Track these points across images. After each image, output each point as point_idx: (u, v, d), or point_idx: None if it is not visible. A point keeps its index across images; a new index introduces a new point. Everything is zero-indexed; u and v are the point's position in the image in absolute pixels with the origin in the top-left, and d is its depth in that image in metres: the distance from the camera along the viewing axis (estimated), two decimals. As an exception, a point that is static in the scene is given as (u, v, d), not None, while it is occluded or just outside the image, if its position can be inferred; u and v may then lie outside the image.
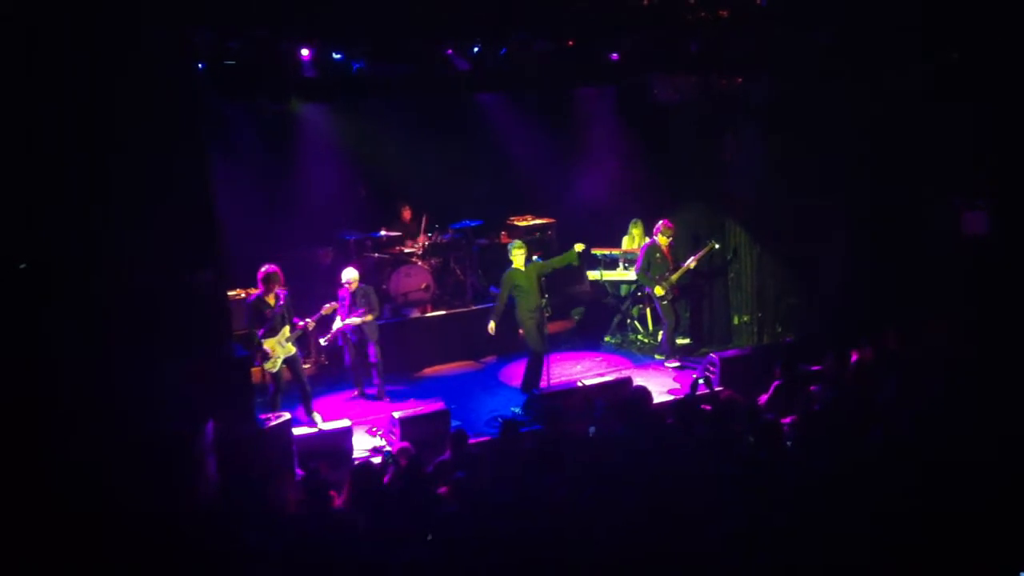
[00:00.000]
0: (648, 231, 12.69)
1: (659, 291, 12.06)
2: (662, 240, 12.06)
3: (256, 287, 9.90)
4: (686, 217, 12.73)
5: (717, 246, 12.24)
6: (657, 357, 12.36)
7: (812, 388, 9.11)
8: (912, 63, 10.70)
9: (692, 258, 12.15)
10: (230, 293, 10.89)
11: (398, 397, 11.27)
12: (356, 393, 11.31)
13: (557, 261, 11.29)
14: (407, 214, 13.86)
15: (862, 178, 11.44)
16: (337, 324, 10.77)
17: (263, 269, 9.85)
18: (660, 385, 11.13)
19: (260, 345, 9.79)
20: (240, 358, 8.82)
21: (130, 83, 6.87)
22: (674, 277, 12.08)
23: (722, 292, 12.83)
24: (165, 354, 7.11)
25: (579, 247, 11.30)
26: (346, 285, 10.77)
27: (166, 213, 7.20)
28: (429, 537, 6.25)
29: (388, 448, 9.28)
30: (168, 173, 7.21)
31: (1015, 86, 10.22)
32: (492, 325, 11.11)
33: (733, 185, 12.36)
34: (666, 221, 12.10)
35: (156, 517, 6.66)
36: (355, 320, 10.73)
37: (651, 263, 12.09)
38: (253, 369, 10.26)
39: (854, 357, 9.56)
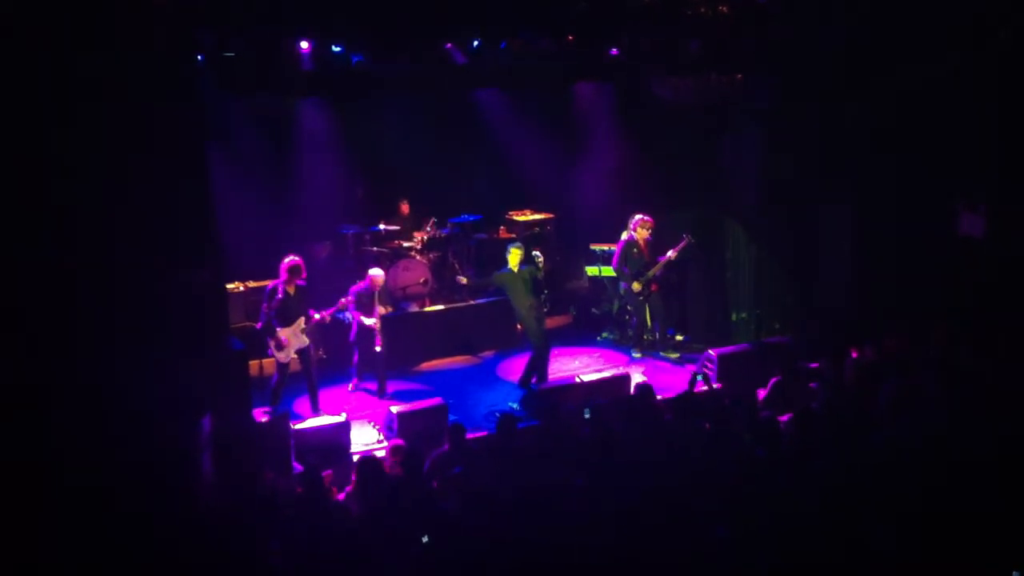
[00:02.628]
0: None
1: (636, 286, 12.06)
2: (640, 235, 12.03)
3: (259, 278, 9.94)
4: (685, 214, 12.69)
5: (693, 240, 12.15)
6: (635, 354, 12.38)
7: (811, 385, 9.12)
8: (915, 64, 10.67)
9: (672, 251, 12.02)
10: (228, 286, 10.92)
11: (396, 391, 11.26)
12: (355, 383, 11.27)
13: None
14: (405, 208, 13.85)
15: (862, 177, 11.43)
16: (369, 321, 10.73)
17: (287, 260, 9.96)
18: (657, 381, 11.11)
19: (275, 333, 9.84)
20: (237, 351, 8.81)
21: (129, 78, 6.84)
22: (651, 273, 12.06)
23: (720, 288, 12.81)
24: (162, 348, 7.09)
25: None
26: (374, 282, 10.72)
27: (164, 208, 7.17)
28: (425, 539, 6.25)
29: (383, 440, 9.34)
30: (166, 166, 7.17)
31: (1017, 88, 10.21)
32: (464, 279, 11.67)
33: (732, 182, 12.34)
34: (644, 216, 12.06)
35: (152, 511, 6.65)
36: (382, 310, 10.80)
37: (628, 258, 12.06)
38: (265, 361, 10.31)
39: (853, 355, 9.56)
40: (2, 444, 6.28)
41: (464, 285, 11.80)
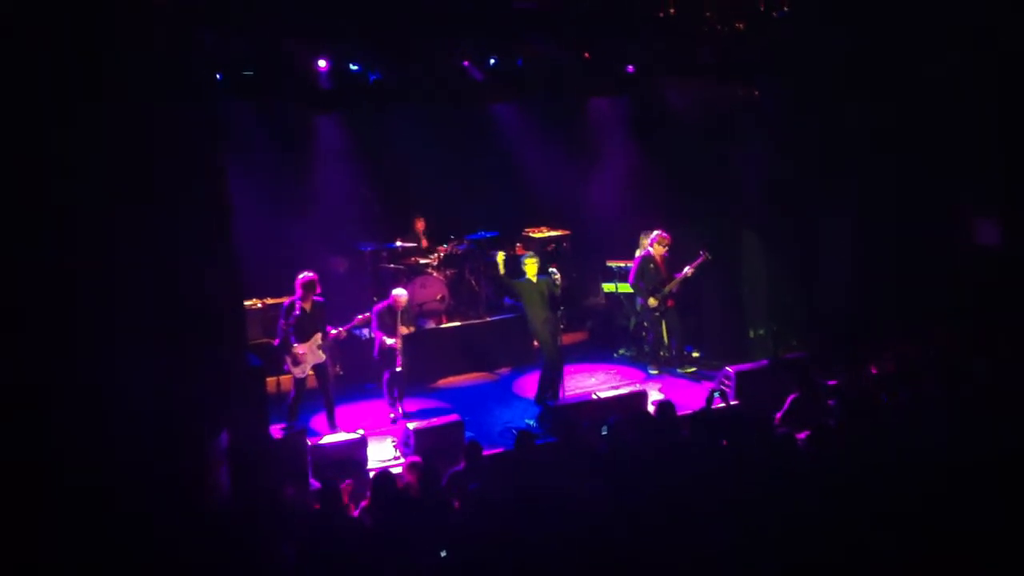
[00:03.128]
0: None
1: (652, 302, 12.04)
2: (657, 251, 12.02)
3: (276, 295, 9.97)
4: (700, 227, 12.66)
5: (710, 257, 12.10)
6: (651, 371, 12.33)
7: (829, 402, 9.06)
8: (924, 69, 10.65)
9: (689, 267, 11.99)
10: (246, 303, 10.95)
11: (413, 408, 11.23)
12: (399, 410, 10.98)
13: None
14: (420, 225, 13.88)
15: (873, 183, 11.40)
16: (390, 341, 10.63)
17: (302, 276, 9.98)
18: (674, 398, 11.06)
19: (291, 349, 9.86)
20: (255, 366, 8.83)
21: (130, 78, 6.87)
22: (667, 289, 12.03)
23: (735, 304, 12.75)
24: (181, 361, 7.11)
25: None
26: (397, 302, 10.67)
27: (182, 220, 7.20)
28: (443, 554, 6.24)
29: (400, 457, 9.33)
30: (170, 166, 7.19)
31: (1019, 89, 10.18)
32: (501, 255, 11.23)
33: (747, 195, 12.32)
34: (662, 232, 12.06)
35: (169, 525, 6.66)
36: (404, 330, 10.75)
37: (644, 274, 12.05)
38: (282, 377, 10.28)
39: (872, 371, 9.49)
40: (2, 444, 6.29)
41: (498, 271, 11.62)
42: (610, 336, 13.64)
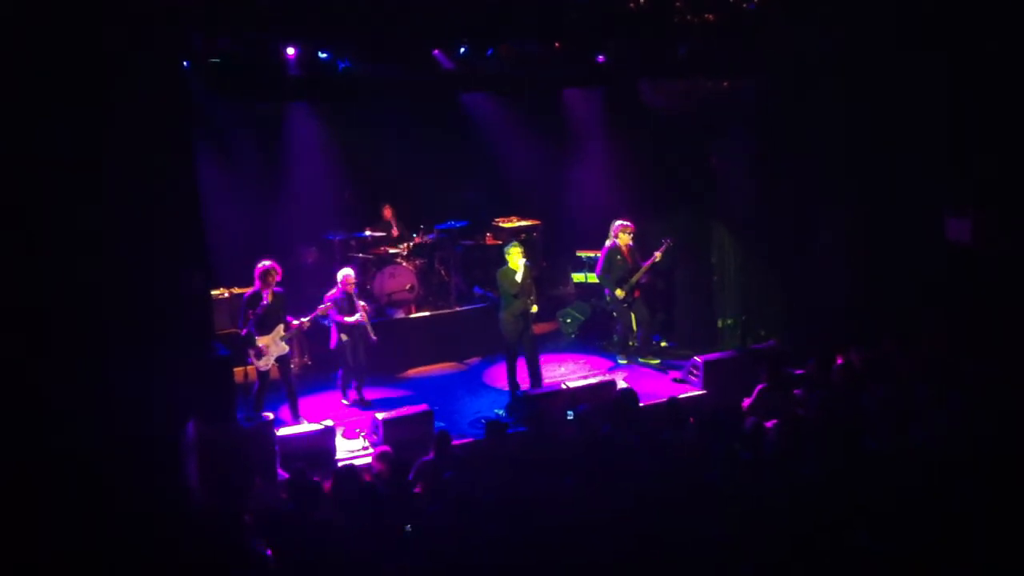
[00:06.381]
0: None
1: (620, 293, 12.06)
2: (622, 241, 12.04)
3: (244, 284, 9.86)
4: (674, 220, 12.70)
5: (672, 244, 12.06)
6: (620, 360, 12.35)
7: (796, 392, 9.14)
8: (904, 67, 10.73)
9: (657, 252, 11.98)
10: (213, 292, 10.85)
11: (381, 398, 11.19)
12: (352, 397, 11.00)
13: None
14: (387, 212, 13.82)
15: (849, 182, 11.48)
16: (353, 317, 10.58)
17: (260, 265, 9.78)
18: (640, 387, 11.11)
19: (254, 342, 9.75)
20: (223, 357, 8.77)
21: (120, 82, 6.84)
22: (634, 279, 12.07)
23: (706, 294, 12.82)
24: (150, 353, 7.06)
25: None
26: (346, 282, 10.53)
27: (154, 213, 7.16)
28: (408, 527, 6.24)
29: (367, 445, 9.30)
30: (156, 172, 7.16)
31: (1002, 93, 10.27)
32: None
33: (720, 188, 12.37)
34: (625, 221, 12.05)
35: (137, 516, 6.62)
36: (363, 304, 10.66)
37: (612, 265, 12.06)
38: (248, 368, 10.21)
39: (838, 361, 9.59)
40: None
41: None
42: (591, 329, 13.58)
